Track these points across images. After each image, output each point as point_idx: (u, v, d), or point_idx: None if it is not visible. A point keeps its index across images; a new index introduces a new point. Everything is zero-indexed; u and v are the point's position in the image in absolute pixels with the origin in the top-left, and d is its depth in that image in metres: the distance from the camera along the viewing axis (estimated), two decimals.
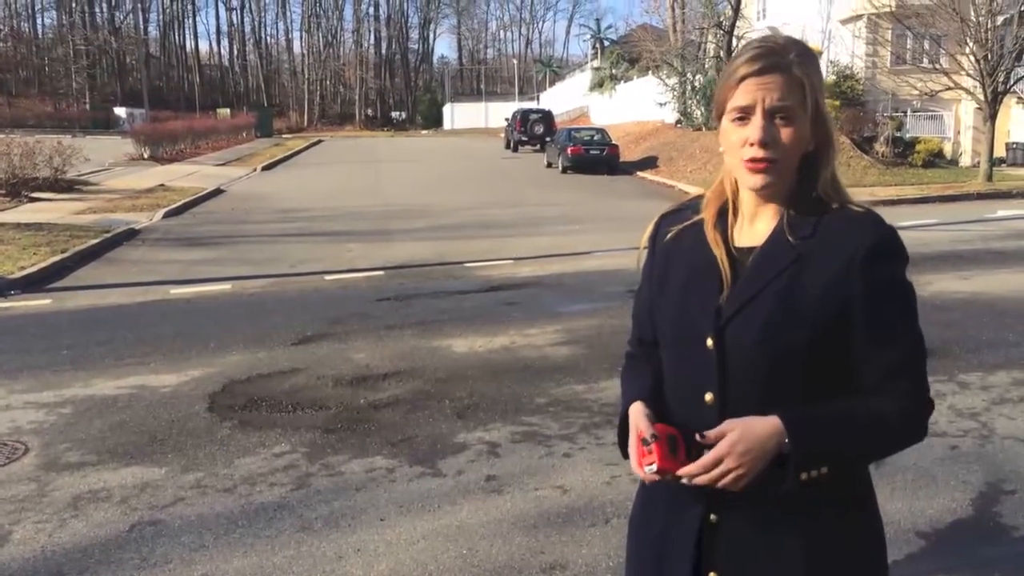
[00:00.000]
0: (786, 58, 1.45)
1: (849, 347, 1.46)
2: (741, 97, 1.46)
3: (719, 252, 1.53)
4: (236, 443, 4.85)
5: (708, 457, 1.42)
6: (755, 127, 1.45)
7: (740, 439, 1.41)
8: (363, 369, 6.24)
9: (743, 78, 1.46)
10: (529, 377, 6.02)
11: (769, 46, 1.47)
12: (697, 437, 1.44)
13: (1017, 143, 24.92)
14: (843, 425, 1.45)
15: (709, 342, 1.49)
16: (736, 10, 28.44)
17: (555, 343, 6.93)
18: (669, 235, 1.62)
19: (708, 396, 1.50)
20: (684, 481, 1.46)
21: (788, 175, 1.49)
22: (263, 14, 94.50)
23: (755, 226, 1.54)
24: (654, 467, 1.46)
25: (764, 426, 1.41)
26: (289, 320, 7.78)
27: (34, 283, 9.81)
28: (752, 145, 1.45)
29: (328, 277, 10.18)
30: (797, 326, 1.44)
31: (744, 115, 1.46)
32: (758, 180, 1.47)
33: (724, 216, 1.58)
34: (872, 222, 1.47)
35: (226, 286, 9.64)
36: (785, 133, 1.45)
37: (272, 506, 4.05)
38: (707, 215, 1.58)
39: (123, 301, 8.96)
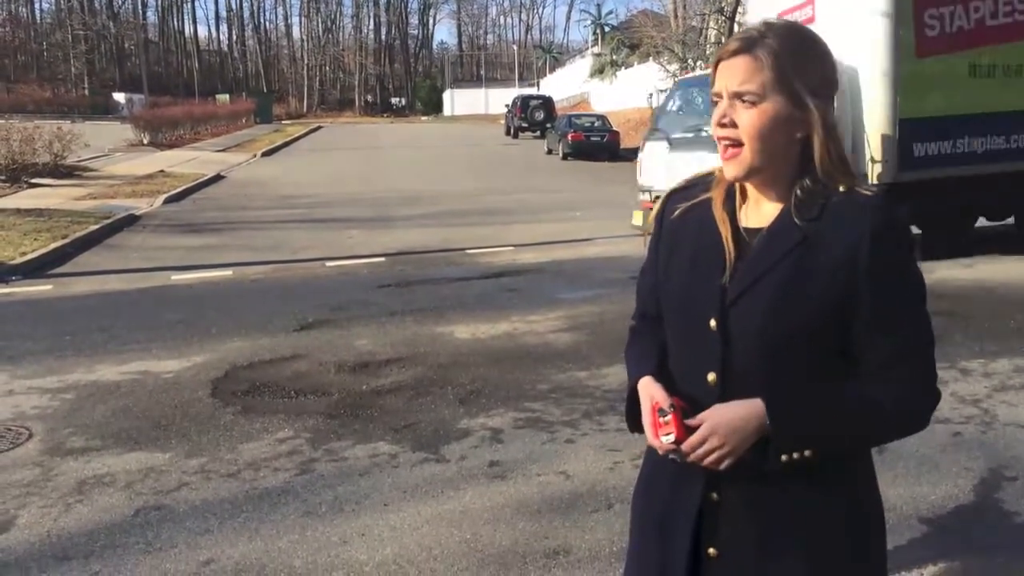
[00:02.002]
0: (755, 41, 1.46)
1: (852, 331, 1.46)
2: (715, 84, 1.50)
3: (725, 231, 1.52)
4: (239, 428, 4.86)
5: (695, 436, 1.46)
6: (716, 110, 1.49)
7: (720, 421, 1.45)
8: (365, 355, 6.25)
9: (716, 64, 1.51)
10: (531, 363, 6.03)
11: (744, 32, 1.50)
12: (687, 422, 1.49)
13: None
14: (830, 410, 1.46)
15: (713, 323, 1.50)
16: None
17: (557, 329, 6.94)
18: (676, 212, 1.62)
19: (711, 376, 1.51)
20: (673, 457, 1.51)
21: (770, 159, 1.47)
22: None
23: (761, 207, 1.54)
24: (672, 437, 1.48)
25: (745, 408, 1.44)
26: (291, 306, 7.78)
27: (35, 269, 9.82)
28: (716, 127, 1.50)
29: (329, 263, 10.18)
30: (801, 309, 1.44)
31: (717, 101, 1.50)
32: (729, 169, 1.50)
33: (733, 195, 1.57)
34: (880, 206, 1.46)
35: (227, 272, 9.64)
36: (746, 116, 1.45)
37: (276, 491, 4.06)
38: (716, 194, 1.57)
39: (124, 287, 8.96)
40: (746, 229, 1.54)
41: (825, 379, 1.47)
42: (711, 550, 1.55)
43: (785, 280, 1.45)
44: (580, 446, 4.56)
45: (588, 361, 6.02)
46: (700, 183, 1.64)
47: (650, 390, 1.56)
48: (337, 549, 3.52)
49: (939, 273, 8.68)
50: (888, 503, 3.92)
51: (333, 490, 4.06)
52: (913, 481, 4.05)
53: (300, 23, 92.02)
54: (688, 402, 1.52)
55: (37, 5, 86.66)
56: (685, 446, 1.47)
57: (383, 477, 4.21)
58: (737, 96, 1.45)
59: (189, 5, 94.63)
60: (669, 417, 1.48)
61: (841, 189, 1.48)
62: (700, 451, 1.46)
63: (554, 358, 6.15)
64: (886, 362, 1.46)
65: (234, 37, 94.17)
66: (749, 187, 1.55)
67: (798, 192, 1.49)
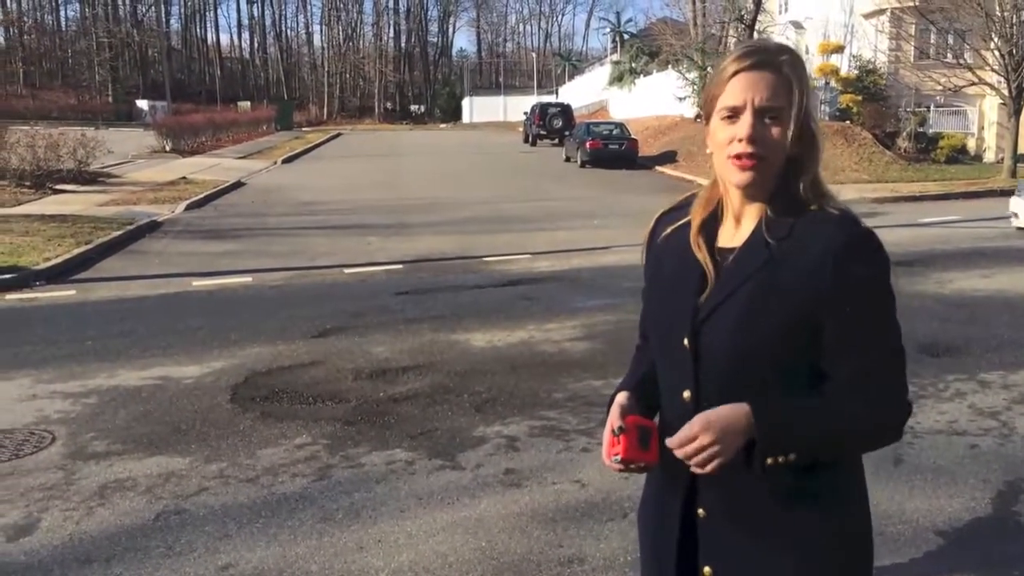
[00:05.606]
0: (777, 58, 1.47)
1: (820, 349, 1.46)
2: (731, 95, 1.48)
3: (701, 255, 1.55)
4: (258, 434, 4.91)
5: (683, 432, 1.45)
6: (744, 124, 1.46)
7: (710, 419, 1.43)
8: (382, 362, 6.29)
9: (734, 74, 1.48)
10: (547, 372, 6.05)
11: (759, 46, 1.51)
12: (667, 442, 1.48)
13: None
14: (812, 416, 1.46)
15: (686, 341, 1.53)
16: (758, 4, 28.23)
17: (573, 338, 6.95)
18: (663, 235, 1.65)
19: (686, 394, 1.55)
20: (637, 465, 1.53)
21: (773, 175, 1.50)
22: (284, 7, 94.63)
23: (740, 227, 1.56)
24: (619, 457, 1.53)
25: (734, 409, 1.44)
26: (309, 313, 7.85)
27: (59, 274, 9.94)
28: (740, 141, 1.46)
29: (348, 270, 10.24)
30: (766, 325, 1.46)
31: (733, 114, 1.48)
32: (744, 177, 1.48)
33: (713, 218, 1.59)
34: (846, 223, 1.47)
35: (247, 279, 9.73)
36: (773, 132, 1.46)
37: (294, 497, 4.10)
38: (695, 217, 1.60)
39: (146, 293, 9.06)
40: (721, 249, 1.56)
41: (795, 394, 1.48)
42: (706, 569, 1.56)
43: (751, 299, 1.47)
44: (596, 455, 4.57)
45: (604, 370, 6.02)
46: (686, 204, 1.66)
47: (612, 410, 1.62)
48: (354, 555, 3.56)
49: (958, 283, 8.63)
50: (905, 516, 3.93)
51: (350, 496, 4.10)
52: (930, 493, 4.03)
53: (321, 31, 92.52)
54: (669, 420, 1.56)
55: (62, 12, 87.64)
56: (673, 441, 1.46)
57: (399, 484, 4.25)
58: (764, 112, 1.46)
59: (212, 13, 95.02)
60: (620, 437, 1.52)
61: (812, 207, 1.49)
62: (691, 447, 1.43)
63: (570, 367, 6.16)
64: (854, 378, 1.46)
65: (256, 45, 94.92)
66: (732, 204, 1.56)
67: (769, 212, 1.51)
